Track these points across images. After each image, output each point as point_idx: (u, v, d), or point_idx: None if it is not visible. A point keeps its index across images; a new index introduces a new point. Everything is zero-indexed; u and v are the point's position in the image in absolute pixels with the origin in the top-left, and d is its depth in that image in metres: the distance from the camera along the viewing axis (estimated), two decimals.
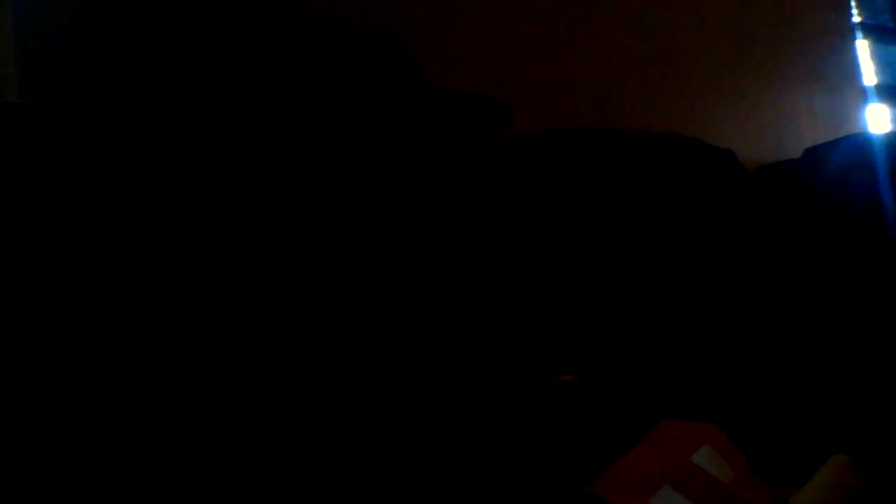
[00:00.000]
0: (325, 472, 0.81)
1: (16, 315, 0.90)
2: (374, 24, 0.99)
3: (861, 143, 1.59)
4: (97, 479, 0.84)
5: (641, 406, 1.03)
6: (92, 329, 0.91)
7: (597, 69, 1.69)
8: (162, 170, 1.06)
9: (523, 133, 1.34)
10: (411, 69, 0.96)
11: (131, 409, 0.87)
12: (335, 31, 0.95)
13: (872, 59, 2.15)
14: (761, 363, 1.23)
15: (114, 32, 1.27)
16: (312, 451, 0.82)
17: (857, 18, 2.14)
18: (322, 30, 0.95)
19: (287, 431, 0.82)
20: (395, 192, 0.93)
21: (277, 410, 0.83)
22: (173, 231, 1.01)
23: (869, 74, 2.12)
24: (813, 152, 1.59)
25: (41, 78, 1.22)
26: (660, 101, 1.73)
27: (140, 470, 0.84)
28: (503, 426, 0.90)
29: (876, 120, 2.13)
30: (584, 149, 1.41)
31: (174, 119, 1.15)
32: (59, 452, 0.85)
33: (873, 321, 1.28)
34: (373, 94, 0.92)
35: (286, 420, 0.82)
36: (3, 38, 1.21)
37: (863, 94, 2.09)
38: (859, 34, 2.14)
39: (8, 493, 0.82)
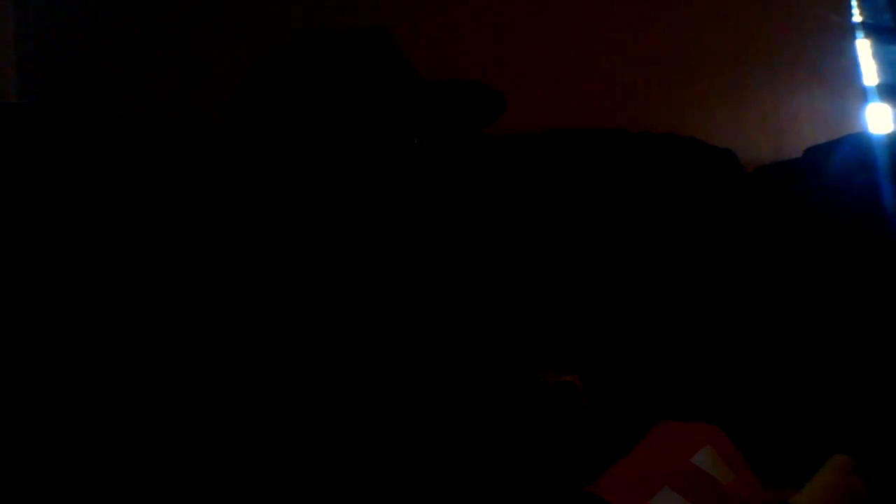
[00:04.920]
0: (325, 472, 0.81)
1: (15, 315, 0.90)
2: (369, 22, 0.99)
3: (862, 142, 1.59)
4: (97, 478, 0.84)
5: (641, 406, 1.03)
6: (92, 329, 0.92)
7: (597, 69, 1.69)
8: (161, 170, 1.06)
9: (523, 133, 1.34)
10: (404, 68, 0.96)
11: (132, 409, 0.87)
12: (326, 31, 0.95)
13: (873, 58, 2.15)
14: (761, 364, 1.23)
15: (114, 32, 1.27)
16: (312, 452, 0.82)
17: (857, 18, 2.14)
18: (312, 30, 0.95)
19: (284, 433, 0.82)
20: (392, 191, 0.93)
21: (274, 410, 0.83)
22: (172, 231, 1.01)
23: (869, 74, 2.12)
24: (813, 152, 1.59)
25: (41, 78, 1.22)
26: (660, 101, 1.73)
27: (140, 470, 0.84)
28: (503, 426, 0.90)
29: (876, 120, 2.13)
30: (585, 149, 1.41)
31: (173, 119, 1.15)
32: (59, 452, 0.85)
33: (873, 321, 1.28)
34: (365, 92, 0.92)
35: (283, 422, 0.82)
36: (3, 38, 1.21)
37: (863, 94, 2.09)
38: (860, 34, 2.14)
39: (8, 493, 0.82)
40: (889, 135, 2.04)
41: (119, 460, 0.85)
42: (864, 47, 2.13)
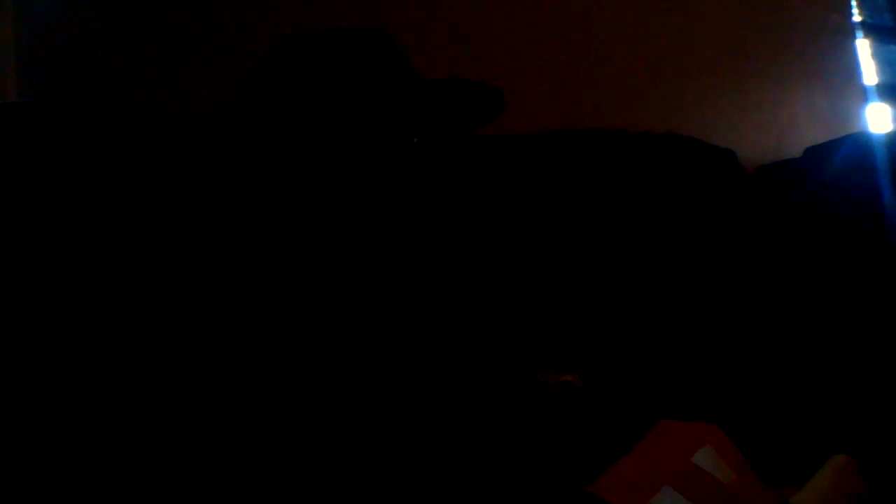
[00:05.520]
0: (325, 472, 0.81)
1: (16, 314, 0.90)
2: (369, 23, 0.99)
3: (862, 142, 1.59)
4: (97, 479, 0.84)
5: (641, 406, 1.03)
6: (93, 329, 0.92)
7: (597, 69, 1.69)
8: (161, 170, 1.06)
9: (524, 133, 1.34)
10: (404, 67, 0.96)
11: (132, 409, 0.87)
12: (325, 30, 0.95)
13: (873, 58, 2.15)
14: (761, 363, 1.23)
15: (114, 32, 1.27)
16: (312, 451, 0.82)
17: (857, 17, 2.13)
18: (313, 30, 0.95)
19: (286, 434, 0.82)
20: (392, 191, 0.93)
21: (276, 411, 0.83)
22: (172, 231, 1.01)
23: (869, 74, 2.12)
24: (813, 152, 1.59)
25: (41, 78, 1.22)
26: (660, 101, 1.73)
27: (140, 470, 0.84)
28: (503, 426, 0.90)
29: (876, 119, 2.12)
30: (585, 149, 1.41)
31: (173, 119, 1.15)
32: (60, 452, 0.85)
33: (873, 321, 1.28)
34: (365, 92, 0.92)
35: (285, 423, 0.82)
36: (4, 38, 1.21)
37: (863, 94, 2.09)
38: (859, 33, 2.13)
39: (8, 493, 0.82)
40: (889, 135, 2.03)
41: (119, 460, 0.85)
42: (864, 47, 2.13)
